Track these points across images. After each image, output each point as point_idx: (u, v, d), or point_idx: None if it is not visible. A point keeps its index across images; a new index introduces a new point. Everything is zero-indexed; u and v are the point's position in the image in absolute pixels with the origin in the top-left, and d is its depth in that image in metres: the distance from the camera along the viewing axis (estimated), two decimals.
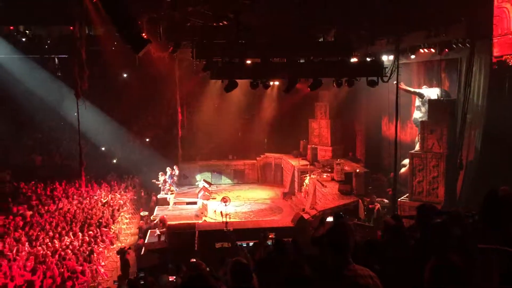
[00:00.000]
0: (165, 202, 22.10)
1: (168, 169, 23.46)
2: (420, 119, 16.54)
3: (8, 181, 24.00)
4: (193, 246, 15.33)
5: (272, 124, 27.49)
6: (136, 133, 28.58)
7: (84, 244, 16.02)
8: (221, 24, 14.39)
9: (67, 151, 26.82)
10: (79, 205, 20.38)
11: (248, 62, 14.67)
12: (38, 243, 15.92)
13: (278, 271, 5.16)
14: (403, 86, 17.05)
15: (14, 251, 15.00)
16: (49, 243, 15.86)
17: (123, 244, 17.41)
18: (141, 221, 20.28)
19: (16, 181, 23.50)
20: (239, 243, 14.62)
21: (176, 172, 24.47)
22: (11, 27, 26.53)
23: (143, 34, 10.22)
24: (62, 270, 13.77)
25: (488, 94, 12.90)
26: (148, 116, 29.54)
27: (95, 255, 15.59)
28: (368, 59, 15.28)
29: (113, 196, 21.90)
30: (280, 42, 14.71)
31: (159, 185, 23.13)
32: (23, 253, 15.04)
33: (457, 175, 14.30)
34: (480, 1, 11.91)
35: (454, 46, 13.28)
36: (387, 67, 14.91)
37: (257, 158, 27.36)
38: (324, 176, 20.79)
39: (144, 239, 17.67)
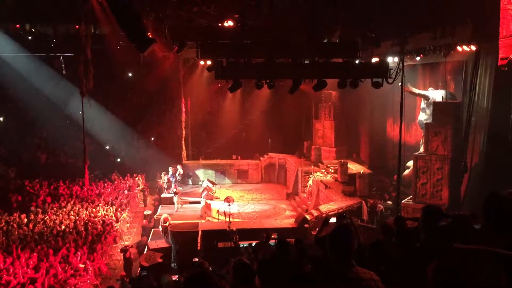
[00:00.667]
0: (167, 201, 22.10)
1: (170, 168, 23.50)
2: (425, 121, 16.50)
3: (12, 179, 24.14)
4: (196, 246, 15.34)
5: (276, 124, 27.49)
6: (140, 132, 28.66)
7: (87, 242, 16.07)
8: (226, 24, 14.42)
9: (72, 150, 26.93)
10: (83, 203, 20.46)
11: (253, 62, 14.68)
12: (42, 241, 15.98)
13: (281, 272, 5.17)
14: (409, 87, 17.02)
15: (18, 249, 15.08)
16: (53, 240, 15.93)
17: (126, 243, 17.45)
18: (144, 220, 20.32)
19: (20, 179, 23.60)
20: (242, 243, 14.64)
21: (180, 171, 24.51)
22: (18, 25, 26.66)
23: (149, 34, 10.24)
24: (65, 268, 13.83)
25: (493, 96, 12.86)
26: (152, 115, 29.61)
27: (98, 253, 15.64)
28: (373, 61, 15.25)
29: (116, 195, 21.96)
30: (285, 43, 14.69)
31: (163, 185, 23.17)
32: (27, 250, 15.11)
33: (461, 178, 14.26)
34: (486, 4, 11.88)
35: (460, 48, 13.24)
36: (392, 69, 14.87)
37: (261, 158, 27.37)
38: (328, 177, 20.77)
39: (148, 238, 17.70)
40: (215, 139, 28.24)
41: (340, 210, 15.89)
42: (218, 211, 19.02)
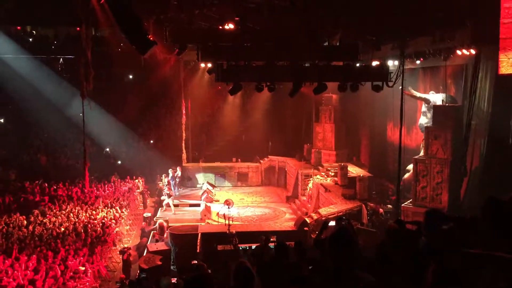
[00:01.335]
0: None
1: (170, 171, 23.51)
2: (426, 125, 16.50)
3: (13, 180, 24.13)
4: (196, 248, 15.33)
5: (276, 127, 27.50)
6: (140, 134, 28.67)
7: (87, 245, 16.05)
8: (226, 27, 14.44)
9: (72, 152, 26.93)
10: (82, 205, 20.45)
11: (253, 65, 14.70)
12: (42, 243, 15.97)
13: (280, 274, 5.17)
14: (410, 91, 17.03)
15: (17, 250, 15.07)
16: (52, 242, 15.92)
17: (126, 245, 17.44)
18: (143, 223, 20.31)
19: (21, 181, 23.59)
20: (241, 246, 14.61)
21: (179, 173, 24.50)
22: (19, 27, 26.70)
23: (149, 36, 10.25)
24: (65, 270, 13.81)
25: (493, 100, 12.87)
26: (152, 118, 29.63)
27: (97, 255, 15.63)
28: (374, 64, 15.27)
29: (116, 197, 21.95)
30: (285, 46, 14.71)
31: (163, 187, 23.17)
32: (26, 252, 15.10)
33: (461, 182, 14.25)
34: (485, 8, 11.89)
35: (459, 52, 13.25)
36: (392, 72, 14.89)
37: (261, 161, 27.37)
38: (328, 180, 20.77)
39: (147, 240, 17.69)
40: (215, 142, 28.24)
41: (340, 213, 15.87)
42: (217, 213, 19.02)
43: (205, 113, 28.57)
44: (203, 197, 21.76)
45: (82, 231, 17.20)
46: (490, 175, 12.78)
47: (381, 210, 16.62)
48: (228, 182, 26.95)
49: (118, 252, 16.51)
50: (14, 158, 26.34)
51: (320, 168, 23.09)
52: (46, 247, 15.51)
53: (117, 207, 20.51)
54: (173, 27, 14.65)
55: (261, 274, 4.99)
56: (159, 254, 15.09)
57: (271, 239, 13.51)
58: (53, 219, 18.40)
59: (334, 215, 15.76)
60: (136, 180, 24.99)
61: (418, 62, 15.56)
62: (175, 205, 21.58)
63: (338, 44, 15.62)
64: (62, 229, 17.27)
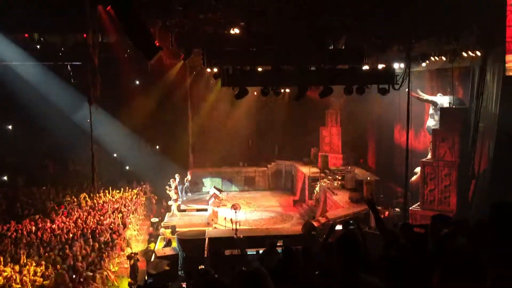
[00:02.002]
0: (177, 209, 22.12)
1: (177, 176, 23.59)
2: (433, 127, 16.42)
3: (21, 187, 24.29)
4: (203, 253, 15.33)
5: (283, 131, 27.49)
6: (147, 139, 28.75)
7: (95, 250, 16.10)
8: (232, 31, 14.47)
9: (80, 157, 27.04)
10: (90, 210, 20.52)
11: (259, 69, 14.71)
12: (49, 248, 16.03)
13: (288, 279, 5.15)
14: (418, 93, 16.96)
15: (25, 256, 15.14)
16: (60, 248, 15.98)
17: (133, 251, 17.48)
18: (151, 228, 20.36)
19: (29, 187, 23.74)
20: (248, 251, 14.60)
21: (189, 177, 24.64)
22: (26, 35, 26.89)
23: (155, 42, 10.30)
24: (73, 275, 13.85)
25: (501, 102, 12.77)
26: (159, 123, 29.69)
27: (106, 261, 15.66)
28: (379, 67, 15.23)
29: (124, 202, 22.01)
30: (291, 50, 14.72)
31: (171, 192, 23.19)
32: (35, 257, 15.17)
33: (469, 184, 14.15)
34: (492, 9, 11.83)
35: (465, 54, 13.19)
36: (398, 75, 14.83)
37: (268, 166, 27.34)
38: (335, 184, 20.71)
39: (155, 245, 17.73)
40: (222, 146, 28.22)
41: (347, 217, 15.82)
42: (225, 218, 19.03)
43: (211, 117, 28.58)
44: (210, 202, 21.78)
45: (90, 236, 17.26)
46: (498, 178, 12.67)
47: (387, 213, 16.51)
48: (235, 187, 26.95)
49: (125, 257, 16.54)
50: (22, 164, 26.51)
51: (327, 171, 23.04)
52: (55, 253, 15.58)
53: (125, 213, 20.57)
54: (178, 32, 14.69)
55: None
56: (166, 259, 15.11)
57: (278, 244, 13.50)
58: (61, 225, 18.48)
59: (341, 219, 15.71)
60: (144, 186, 25.05)
61: (424, 64, 15.49)
62: (183, 210, 21.61)
63: (343, 47, 15.61)
64: (71, 235, 17.34)
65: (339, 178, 21.18)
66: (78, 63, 25.92)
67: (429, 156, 16.20)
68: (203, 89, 27.33)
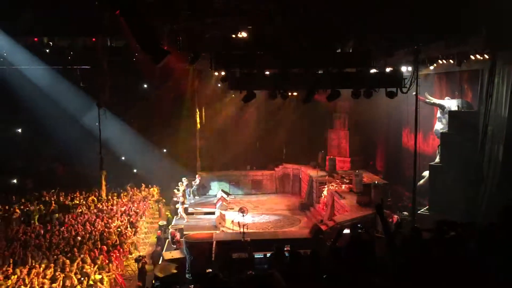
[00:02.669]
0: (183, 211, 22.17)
1: (184, 179, 23.64)
2: (441, 131, 16.33)
3: (30, 189, 24.47)
4: (211, 256, 15.33)
5: (290, 134, 27.46)
6: (155, 142, 28.84)
7: (103, 252, 16.16)
8: (239, 35, 14.50)
9: (88, 160, 27.17)
10: (98, 213, 20.61)
11: (267, 73, 14.73)
12: (58, 251, 16.12)
13: (295, 284, 5.14)
14: (426, 96, 16.89)
15: (34, 259, 15.24)
16: (69, 251, 16.06)
17: (141, 253, 17.52)
18: (159, 231, 20.39)
19: (38, 189, 23.90)
20: (256, 254, 14.57)
21: (197, 181, 24.67)
22: (36, 39, 27.10)
23: (163, 45, 10.34)
24: (81, 278, 13.92)
25: (510, 105, 12.67)
26: (167, 126, 29.78)
27: (113, 263, 15.72)
28: (387, 70, 15.18)
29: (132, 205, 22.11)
30: (298, 53, 14.73)
31: (179, 195, 23.25)
32: (43, 260, 15.26)
33: (478, 188, 14.05)
34: (500, 11, 11.76)
35: (473, 57, 13.12)
36: (406, 78, 14.78)
37: (276, 169, 27.33)
38: (343, 188, 20.65)
39: (162, 248, 17.75)
40: (229, 150, 28.23)
41: (355, 221, 15.75)
42: (232, 221, 19.02)
43: (219, 120, 28.61)
44: (217, 205, 21.80)
45: (99, 239, 17.34)
46: (506, 181, 12.58)
47: (395, 217, 16.42)
48: (243, 190, 26.95)
49: (133, 260, 16.59)
50: (31, 167, 26.72)
51: (334, 175, 22.98)
52: (63, 255, 15.66)
53: (133, 216, 20.65)
54: (186, 36, 14.76)
55: None
56: (174, 262, 15.12)
57: (285, 249, 13.45)
58: (70, 227, 18.58)
59: (349, 222, 15.64)
60: (151, 189, 25.10)
61: (431, 67, 15.42)
62: (190, 213, 21.65)
63: (351, 51, 15.59)
64: (79, 238, 17.43)
65: (347, 181, 21.11)
66: (87, 66, 26.09)
67: (437, 159, 16.11)
68: (211, 92, 27.38)
